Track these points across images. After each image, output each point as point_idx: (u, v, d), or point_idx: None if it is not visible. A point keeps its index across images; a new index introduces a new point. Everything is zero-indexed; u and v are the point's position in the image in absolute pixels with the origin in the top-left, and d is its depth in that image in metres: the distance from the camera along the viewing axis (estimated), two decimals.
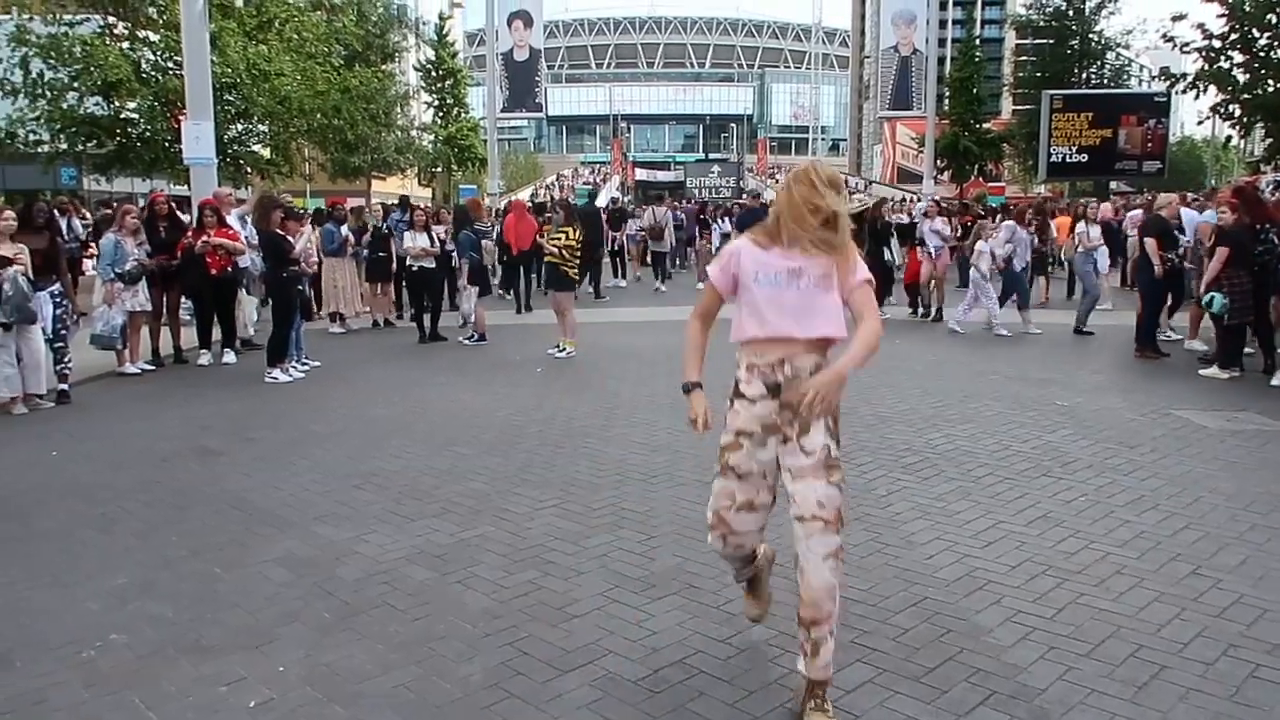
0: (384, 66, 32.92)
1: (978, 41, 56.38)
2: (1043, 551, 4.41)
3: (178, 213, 10.73)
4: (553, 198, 30.04)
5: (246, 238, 10.42)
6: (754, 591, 3.54)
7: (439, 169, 40.74)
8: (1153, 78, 28.55)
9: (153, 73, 19.15)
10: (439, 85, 40.88)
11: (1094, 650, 3.44)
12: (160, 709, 3.12)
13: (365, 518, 5.01)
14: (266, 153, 22.32)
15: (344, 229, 12.92)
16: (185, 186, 14.71)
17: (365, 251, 13.34)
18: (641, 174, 52.66)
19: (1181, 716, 3.01)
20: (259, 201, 10.13)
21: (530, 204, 20.20)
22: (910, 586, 4.02)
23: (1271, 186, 14.86)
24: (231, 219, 10.64)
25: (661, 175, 51.34)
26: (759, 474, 3.10)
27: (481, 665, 3.38)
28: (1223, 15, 18.84)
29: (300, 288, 9.62)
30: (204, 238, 9.73)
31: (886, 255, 13.05)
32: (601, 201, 29.54)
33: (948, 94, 42.41)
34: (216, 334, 10.30)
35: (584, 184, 60.94)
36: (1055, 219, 17.16)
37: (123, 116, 19.25)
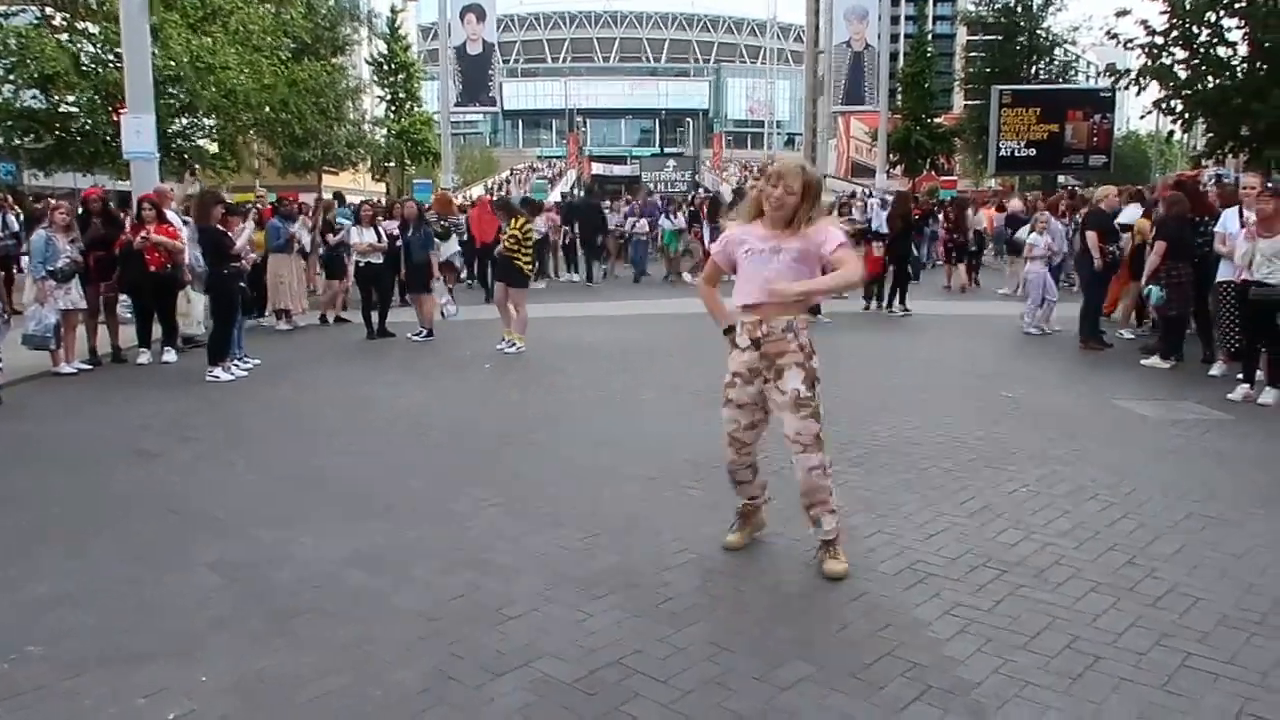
0: (334, 60, 32.42)
1: (929, 37, 56.94)
2: (983, 543, 4.43)
3: (112, 210, 10.46)
4: (492, 198, 29.53)
5: (188, 235, 10.18)
6: (743, 524, 4.38)
7: (392, 163, 40.27)
8: (1098, 73, 29.05)
9: (93, 65, 18.71)
10: (391, 79, 40.38)
11: (1030, 642, 3.45)
12: None
13: (304, 519, 4.89)
14: (213, 147, 21.91)
15: (295, 226, 12.67)
16: (127, 182, 14.38)
17: (322, 249, 13.15)
18: (598, 168, 52.44)
19: (1114, 707, 3.03)
20: (200, 197, 9.90)
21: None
22: (851, 580, 4.01)
23: (1213, 180, 15.16)
24: (171, 215, 10.39)
25: (618, 169, 51.14)
26: (749, 403, 4.06)
27: (416, 670, 3.30)
28: (1165, 12, 19.14)
29: (242, 284, 9.43)
30: (143, 233, 9.51)
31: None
32: (555, 196, 29.35)
33: (900, 89, 42.72)
34: (157, 332, 10.06)
35: (540, 178, 60.58)
36: (981, 209, 18.90)
37: (61, 110, 18.80)
